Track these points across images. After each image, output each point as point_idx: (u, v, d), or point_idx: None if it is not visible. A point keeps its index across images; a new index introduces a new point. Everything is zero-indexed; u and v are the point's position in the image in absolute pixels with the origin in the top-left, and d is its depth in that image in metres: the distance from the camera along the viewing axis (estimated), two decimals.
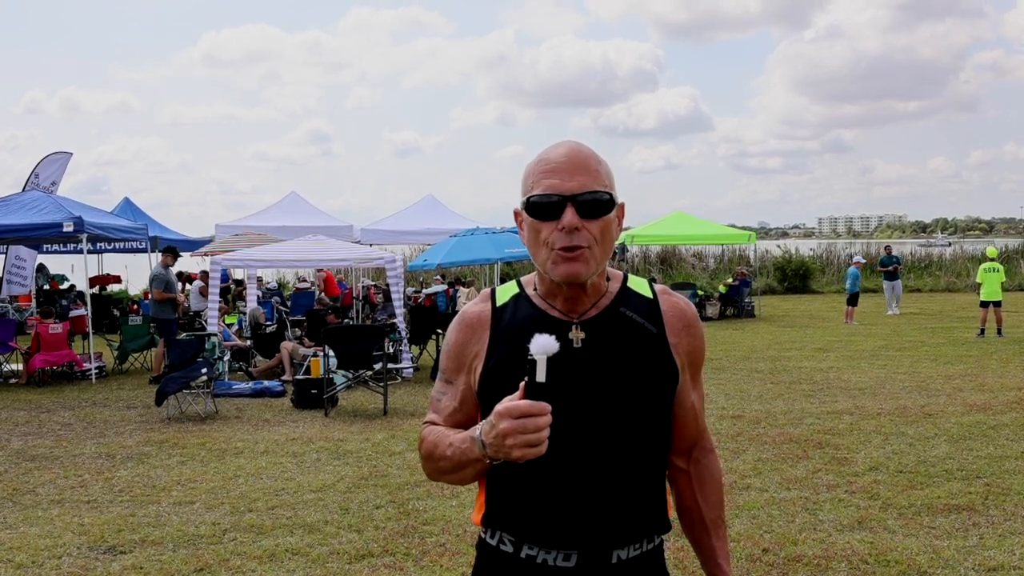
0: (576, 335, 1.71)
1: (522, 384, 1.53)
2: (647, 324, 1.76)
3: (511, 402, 1.53)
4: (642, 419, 1.72)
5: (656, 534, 1.78)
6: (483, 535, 1.82)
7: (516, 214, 1.76)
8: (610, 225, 1.70)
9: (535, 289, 1.80)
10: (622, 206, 1.75)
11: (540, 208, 1.67)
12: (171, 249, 13.12)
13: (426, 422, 1.85)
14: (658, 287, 1.85)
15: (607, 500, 1.69)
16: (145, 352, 13.25)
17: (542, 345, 1.52)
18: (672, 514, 1.86)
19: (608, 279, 1.80)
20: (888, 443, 7.47)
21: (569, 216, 1.64)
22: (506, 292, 1.84)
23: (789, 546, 5.03)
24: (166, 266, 12.45)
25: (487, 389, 1.73)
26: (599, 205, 1.67)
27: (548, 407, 1.51)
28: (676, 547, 4.88)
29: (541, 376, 1.52)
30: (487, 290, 1.87)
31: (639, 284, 1.83)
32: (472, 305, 1.85)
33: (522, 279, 1.85)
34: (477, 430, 1.62)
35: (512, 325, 1.76)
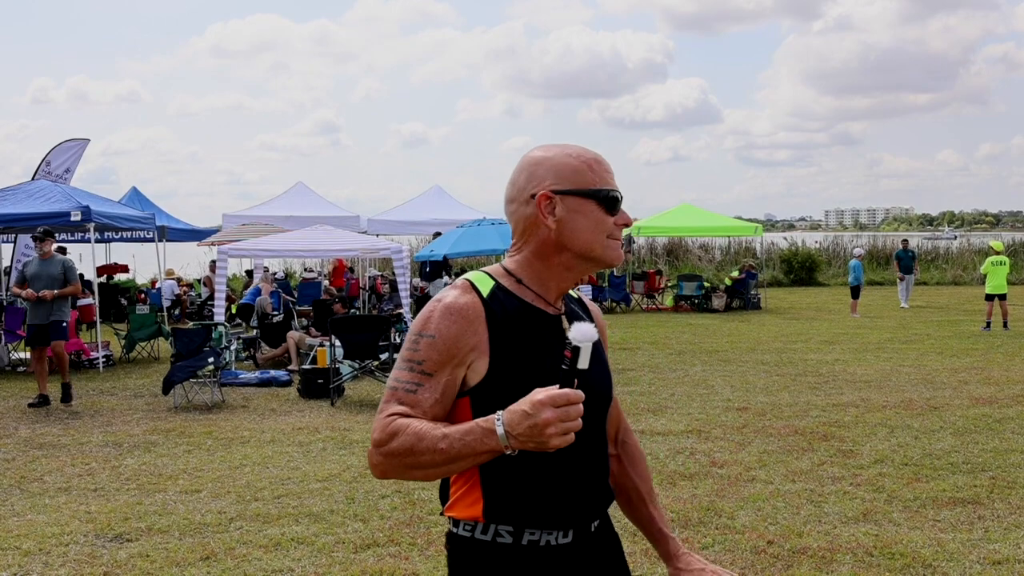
0: (568, 328, 1.76)
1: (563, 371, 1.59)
2: (586, 318, 1.91)
3: (548, 391, 1.55)
4: (609, 399, 1.92)
5: (611, 500, 1.95)
6: (466, 532, 1.78)
7: (548, 197, 1.76)
8: None
9: (516, 280, 1.80)
10: None
11: (615, 203, 1.82)
12: (45, 232, 9.67)
13: (392, 414, 1.69)
14: None
15: (595, 475, 1.83)
16: (153, 341, 13.29)
17: (585, 333, 1.56)
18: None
19: None
20: (893, 436, 7.46)
21: (626, 215, 1.85)
22: (484, 283, 1.79)
23: (794, 538, 5.03)
24: (47, 257, 9.46)
25: (494, 385, 1.71)
26: None
27: (582, 395, 1.57)
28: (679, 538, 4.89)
29: (584, 363, 1.57)
30: (464, 281, 1.80)
31: None
32: (458, 296, 1.76)
33: (489, 270, 1.83)
34: (496, 421, 1.59)
35: (507, 320, 1.75)
